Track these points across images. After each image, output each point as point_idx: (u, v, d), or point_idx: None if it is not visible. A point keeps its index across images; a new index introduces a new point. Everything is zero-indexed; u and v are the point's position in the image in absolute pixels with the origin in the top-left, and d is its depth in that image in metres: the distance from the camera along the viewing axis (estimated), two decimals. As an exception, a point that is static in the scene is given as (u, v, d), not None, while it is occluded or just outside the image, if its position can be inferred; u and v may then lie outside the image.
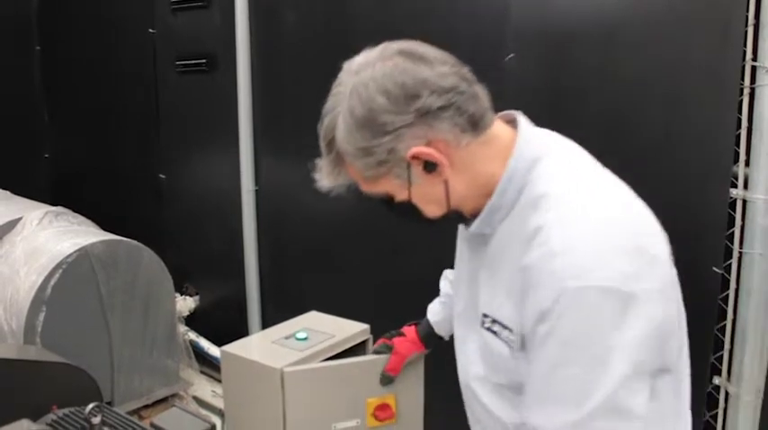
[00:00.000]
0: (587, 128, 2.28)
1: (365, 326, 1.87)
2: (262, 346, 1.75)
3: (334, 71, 1.23)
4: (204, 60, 3.72)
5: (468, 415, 1.36)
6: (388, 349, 1.72)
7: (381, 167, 1.14)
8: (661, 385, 1.10)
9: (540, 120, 2.43)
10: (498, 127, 1.19)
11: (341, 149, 1.15)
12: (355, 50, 1.18)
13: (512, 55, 2.45)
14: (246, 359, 1.69)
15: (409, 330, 1.75)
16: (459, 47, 1.27)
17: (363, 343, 1.86)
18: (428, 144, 1.11)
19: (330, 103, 1.17)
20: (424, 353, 1.75)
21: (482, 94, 1.16)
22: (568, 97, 2.35)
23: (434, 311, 1.73)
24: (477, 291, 1.25)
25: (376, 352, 1.75)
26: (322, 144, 1.19)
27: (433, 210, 1.19)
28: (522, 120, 1.23)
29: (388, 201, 1.21)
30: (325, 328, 1.84)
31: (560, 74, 2.36)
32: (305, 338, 1.77)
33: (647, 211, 1.13)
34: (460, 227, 1.36)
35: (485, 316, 1.21)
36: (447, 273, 1.73)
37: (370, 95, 1.10)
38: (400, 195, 1.18)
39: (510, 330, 1.14)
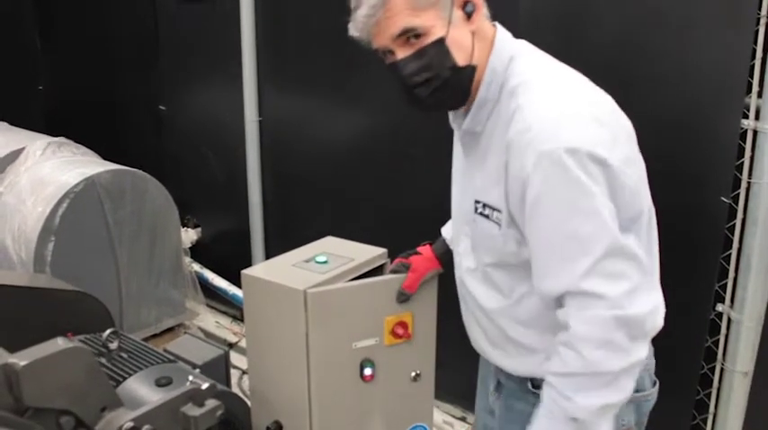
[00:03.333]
0: (599, 54, 2.29)
1: (383, 250, 1.90)
2: (283, 269, 1.78)
3: None
4: (205, -11, 3.65)
5: (462, 305, 1.59)
6: (405, 268, 1.76)
7: None
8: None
9: (551, 46, 2.42)
10: (490, 27, 1.38)
11: None
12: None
13: (525, -17, 2.43)
14: (269, 281, 1.72)
15: (425, 249, 1.80)
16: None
17: (380, 266, 1.89)
18: None
19: None
20: (439, 271, 1.79)
21: None
22: (581, 22, 2.33)
23: (448, 229, 1.78)
24: (472, 183, 1.42)
25: (393, 271, 1.78)
26: None
27: (461, 56, 1.30)
28: (500, 26, 1.39)
29: (416, 54, 1.29)
30: (343, 252, 1.87)
31: (573, 3, 2.34)
32: (325, 261, 1.80)
33: (612, 101, 1.31)
34: (455, 132, 1.52)
35: (476, 202, 1.39)
36: None
37: None
38: (438, 31, 1.28)
39: (498, 211, 1.32)
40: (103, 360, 1.77)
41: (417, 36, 1.28)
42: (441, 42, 1.28)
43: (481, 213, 1.38)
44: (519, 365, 1.46)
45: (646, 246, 1.32)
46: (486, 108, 1.34)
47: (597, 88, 1.33)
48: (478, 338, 1.54)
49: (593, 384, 1.23)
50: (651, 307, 1.23)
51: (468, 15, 1.30)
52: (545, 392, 1.30)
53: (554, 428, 1.28)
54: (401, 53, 1.30)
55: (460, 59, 1.30)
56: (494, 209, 1.34)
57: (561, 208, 1.19)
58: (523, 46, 1.39)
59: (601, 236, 1.18)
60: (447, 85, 1.32)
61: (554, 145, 1.16)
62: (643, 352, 1.24)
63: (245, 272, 1.78)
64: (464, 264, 1.50)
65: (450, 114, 1.48)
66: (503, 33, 1.38)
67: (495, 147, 1.31)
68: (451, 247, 1.76)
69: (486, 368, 1.66)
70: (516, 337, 1.43)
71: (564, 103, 1.23)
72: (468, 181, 1.45)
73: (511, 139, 1.24)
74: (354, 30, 1.32)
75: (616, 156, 1.19)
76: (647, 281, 1.25)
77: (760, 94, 1.97)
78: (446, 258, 1.77)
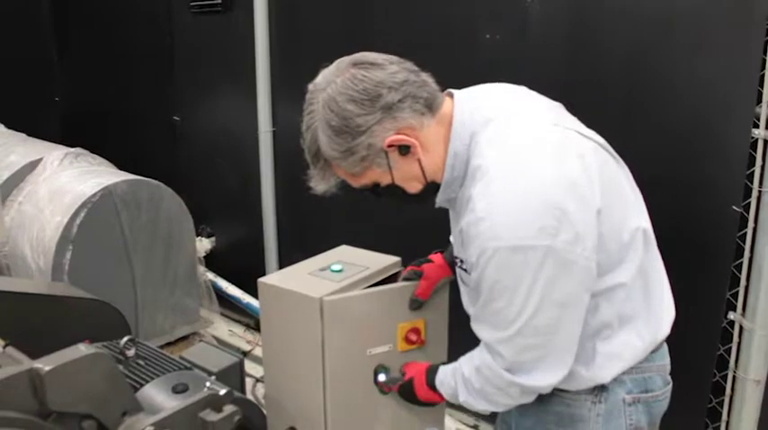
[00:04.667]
0: (610, 69, 2.31)
1: (397, 259, 1.92)
2: (299, 278, 1.79)
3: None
4: (219, 0, 3.69)
5: None
6: (417, 276, 1.79)
7: (364, 162, 1.37)
8: (617, 295, 1.37)
9: (561, 64, 2.45)
10: (447, 106, 1.40)
11: (327, 156, 1.39)
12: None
13: (535, -4, 2.45)
14: (285, 289, 1.74)
15: (436, 257, 1.83)
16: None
17: (394, 275, 1.91)
18: (398, 132, 1.34)
19: (306, 120, 1.40)
20: (451, 278, 1.81)
21: (429, 79, 1.38)
22: (591, 39, 2.35)
23: None
24: (455, 236, 1.51)
25: (405, 279, 1.81)
26: (308, 157, 1.45)
27: (414, 185, 1.42)
28: (457, 97, 1.42)
29: (374, 189, 1.45)
30: (358, 261, 1.89)
31: (583, 15, 2.36)
32: (340, 270, 1.82)
33: (572, 163, 1.30)
34: None
35: (455, 257, 1.51)
36: None
37: (340, 106, 1.32)
38: (385, 180, 1.41)
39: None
40: (121, 367, 1.79)
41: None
42: (391, 185, 1.42)
43: (461, 267, 1.49)
44: None
45: (631, 279, 1.38)
46: (456, 183, 1.40)
47: (561, 146, 1.33)
48: None
49: (478, 397, 1.45)
50: (546, 384, 1.36)
51: (407, 151, 1.36)
52: (459, 362, 1.51)
53: (447, 383, 1.54)
54: (370, 186, 1.46)
55: (415, 188, 1.43)
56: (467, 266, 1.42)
57: (495, 289, 1.29)
58: (483, 112, 1.38)
59: (519, 317, 1.28)
60: (416, 201, 1.47)
61: (495, 243, 1.24)
62: (532, 397, 1.41)
63: (261, 280, 1.81)
64: (464, 300, 1.57)
65: None
66: (460, 107, 1.39)
67: (461, 217, 1.38)
68: None
69: None
70: None
71: (513, 196, 1.26)
72: (455, 234, 1.52)
73: (464, 227, 1.33)
74: None
75: (563, 239, 1.23)
76: (560, 355, 1.34)
77: (770, 104, 1.99)
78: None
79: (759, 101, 2.01)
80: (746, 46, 2.00)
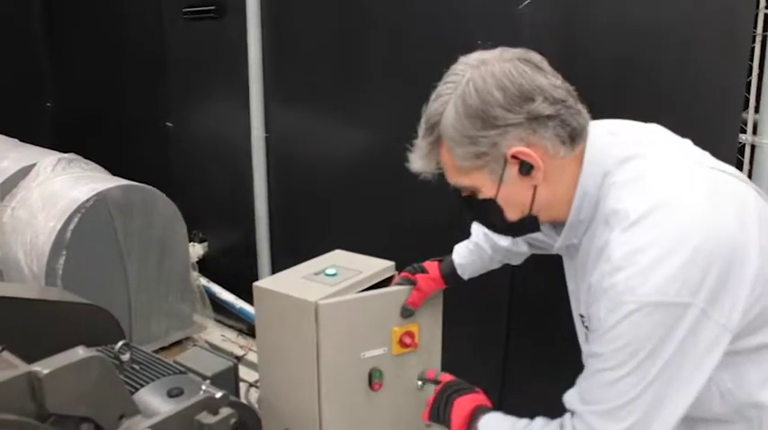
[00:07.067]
0: (601, 75, 2.34)
1: (390, 263, 1.94)
2: (293, 282, 1.82)
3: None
4: (213, 7, 3.70)
5: None
6: (410, 283, 1.79)
7: (479, 160, 1.20)
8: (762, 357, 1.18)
9: (552, 64, 2.45)
10: (574, 155, 1.23)
11: (444, 134, 1.22)
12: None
13: (527, 2, 2.48)
14: (280, 293, 1.76)
15: (432, 266, 1.81)
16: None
17: (388, 279, 1.93)
18: (529, 146, 1.17)
19: (441, 89, 1.23)
20: (444, 287, 1.82)
21: (584, 111, 1.23)
22: (582, 45, 2.38)
23: (461, 254, 1.78)
24: (576, 293, 1.37)
25: (398, 284, 1.82)
26: (423, 127, 1.26)
27: (514, 212, 1.25)
28: (591, 130, 1.25)
29: (467, 198, 1.28)
30: (352, 265, 1.91)
31: (574, 21, 2.39)
32: (334, 274, 1.84)
33: (722, 213, 1.11)
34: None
35: (581, 316, 1.33)
36: None
37: (487, 88, 1.16)
38: (487, 192, 1.24)
39: None
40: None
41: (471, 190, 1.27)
42: (491, 201, 1.24)
43: (586, 326, 1.30)
44: None
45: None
46: (581, 227, 1.26)
47: (711, 191, 1.15)
48: None
49: None
50: None
51: (528, 172, 1.19)
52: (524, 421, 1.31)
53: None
54: (463, 191, 1.30)
55: (513, 215, 1.26)
56: None
57: (621, 353, 1.11)
58: (619, 147, 1.24)
59: (634, 390, 1.11)
60: (504, 231, 1.34)
61: (633, 298, 1.07)
62: None
63: (256, 284, 1.82)
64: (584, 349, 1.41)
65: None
66: (592, 142, 1.23)
67: (589, 271, 1.23)
68: (462, 275, 1.77)
69: None
70: None
71: (658, 244, 1.08)
72: (573, 287, 1.40)
73: (596, 280, 1.16)
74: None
75: (703, 298, 1.06)
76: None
77: (757, 109, 2.02)
78: (452, 279, 1.79)
79: (746, 107, 2.04)
80: (733, 53, 2.03)
